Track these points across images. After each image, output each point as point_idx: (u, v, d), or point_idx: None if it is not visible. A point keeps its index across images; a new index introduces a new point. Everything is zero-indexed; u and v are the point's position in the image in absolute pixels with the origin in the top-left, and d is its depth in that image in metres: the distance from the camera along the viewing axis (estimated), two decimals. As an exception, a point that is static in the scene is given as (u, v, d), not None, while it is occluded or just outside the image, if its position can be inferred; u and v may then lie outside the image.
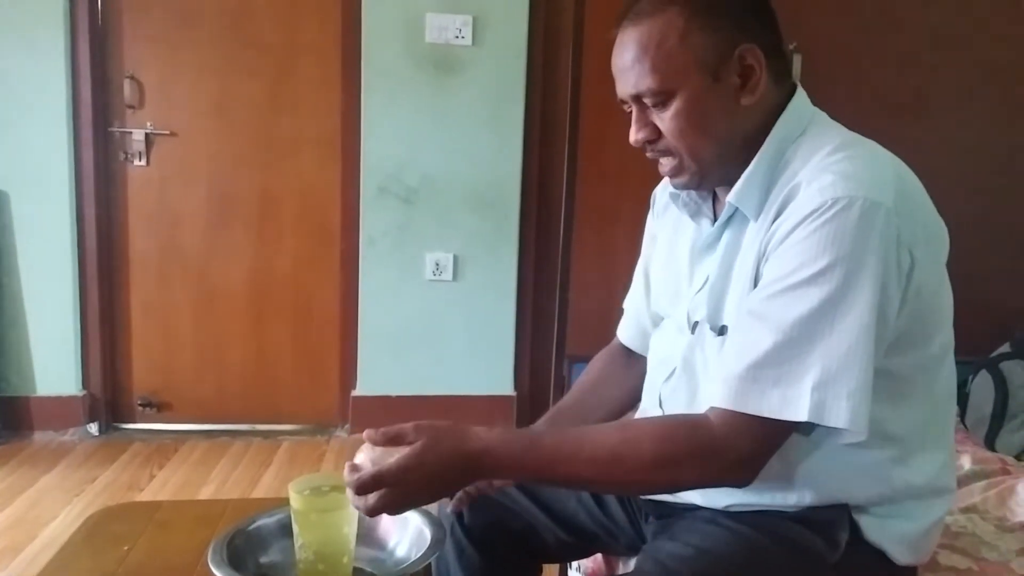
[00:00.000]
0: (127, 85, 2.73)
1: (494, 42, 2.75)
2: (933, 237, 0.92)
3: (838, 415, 0.83)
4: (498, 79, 2.77)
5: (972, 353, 2.03)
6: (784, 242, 0.88)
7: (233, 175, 2.84)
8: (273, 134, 2.83)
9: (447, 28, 2.71)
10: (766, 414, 0.84)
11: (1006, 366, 1.94)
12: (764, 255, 0.91)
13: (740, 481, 0.89)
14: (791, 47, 2.61)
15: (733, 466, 0.87)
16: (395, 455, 0.87)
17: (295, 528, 0.98)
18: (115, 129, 2.77)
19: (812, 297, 0.84)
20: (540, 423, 1.20)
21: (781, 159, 0.95)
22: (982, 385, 1.95)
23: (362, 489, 0.86)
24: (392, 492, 0.86)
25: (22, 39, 2.62)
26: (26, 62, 2.64)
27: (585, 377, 1.29)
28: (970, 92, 2.81)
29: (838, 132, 0.97)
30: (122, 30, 2.73)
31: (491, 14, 2.73)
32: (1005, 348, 2.02)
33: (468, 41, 2.73)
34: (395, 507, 0.88)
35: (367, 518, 0.95)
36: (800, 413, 0.83)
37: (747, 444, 0.86)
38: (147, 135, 2.77)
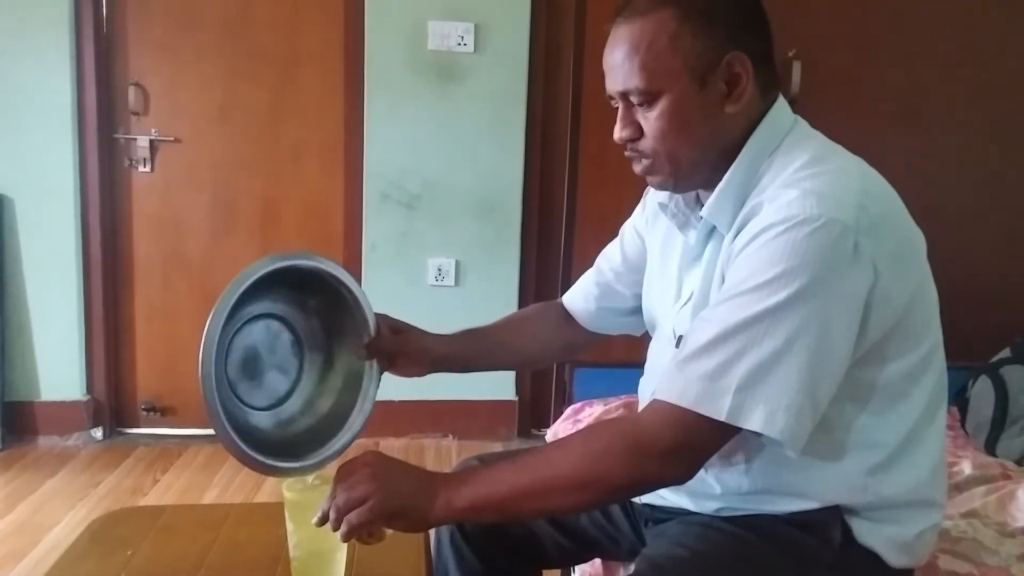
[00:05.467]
0: (132, 92, 2.75)
1: (496, 49, 2.76)
2: (903, 249, 0.91)
3: (752, 419, 0.84)
4: (500, 86, 2.78)
5: (972, 358, 2.03)
6: (740, 254, 0.89)
7: (237, 181, 2.85)
8: (276, 141, 2.84)
9: (449, 35, 2.73)
10: (687, 405, 0.85)
11: (1006, 371, 1.93)
12: (726, 269, 0.93)
13: (673, 475, 0.90)
14: (790, 54, 2.62)
15: (660, 457, 0.87)
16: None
17: (289, 526, 0.99)
18: (120, 135, 2.79)
19: (752, 305, 0.84)
20: (461, 337, 1.26)
21: (755, 174, 0.95)
22: (982, 390, 1.94)
23: (339, 511, 0.91)
24: (353, 485, 0.91)
25: (28, 46, 2.64)
26: (31, 68, 2.65)
27: (519, 313, 1.36)
28: (970, 98, 2.82)
29: (812, 145, 0.96)
30: (127, 37, 2.75)
31: (493, 21, 2.74)
32: (1005, 353, 2.02)
33: (470, 48, 2.74)
34: (365, 490, 0.91)
35: None
36: (719, 412, 0.84)
37: (671, 434, 0.86)
38: (151, 141, 2.78)
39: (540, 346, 1.33)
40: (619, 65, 0.95)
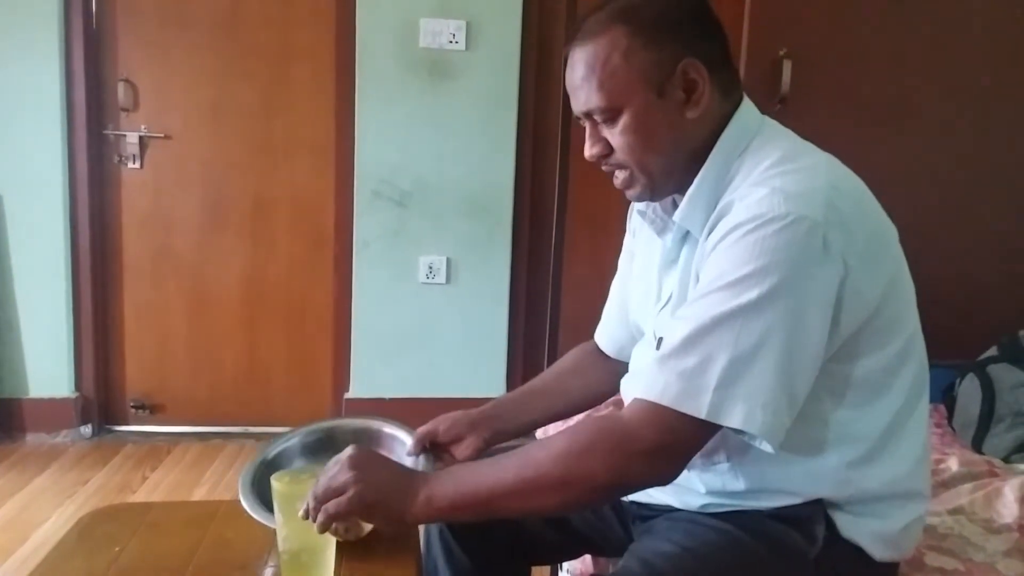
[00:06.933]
0: (121, 88, 2.74)
1: (488, 47, 2.76)
2: (874, 243, 0.92)
3: (732, 416, 0.84)
4: (491, 84, 2.78)
5: (960, 356, 2.04)
6: (712, 253, 0.90)
7: (227, 178, 2.85)
8: (267, 138, 2.83)
9: (441, 33, 2.73)
10: (667, 403, 0.85)
11: (993, 369, 1.94)
12: (700, 268, 0.94)
13: (657, 474, 0.89)
14: (781, 53, 2.63)
15: (643, 456, 0.86)
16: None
17: (278, 519, 0.98)
18: (109, 132, 2.77)
19: (725, 302, 0.85)
20: (503, 398, 1.25)
21: (725, 175, 0.97)
22: (969, 388, 1.95)
23: (317, 499, 0.92)
24: (334, 475, 0.92)
25: (16, 42, 2.63)
26: (20, 65, 2.64)
27: (556, 366, 1.33)
28: (959, 99, 2.83)
29: (781, 143, 0.97)
30: (116, 33, 2.74)
31: (485, 19, 2.74)
32: (992, 352, 2.03)
33: (462, 46, 2.74)
34: (344, 481, 0.92)
35: None
36: (699, 410, 0.84)
37: (653, 433, 0.86)
38: (141, 138, 2.77)
39: (589, 388, 1.30)
40: (579, 87, 0.98)
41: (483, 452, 1.15)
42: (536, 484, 0.89)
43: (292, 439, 1.21)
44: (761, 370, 0.84)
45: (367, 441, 1.18)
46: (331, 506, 0.91)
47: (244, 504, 1.05)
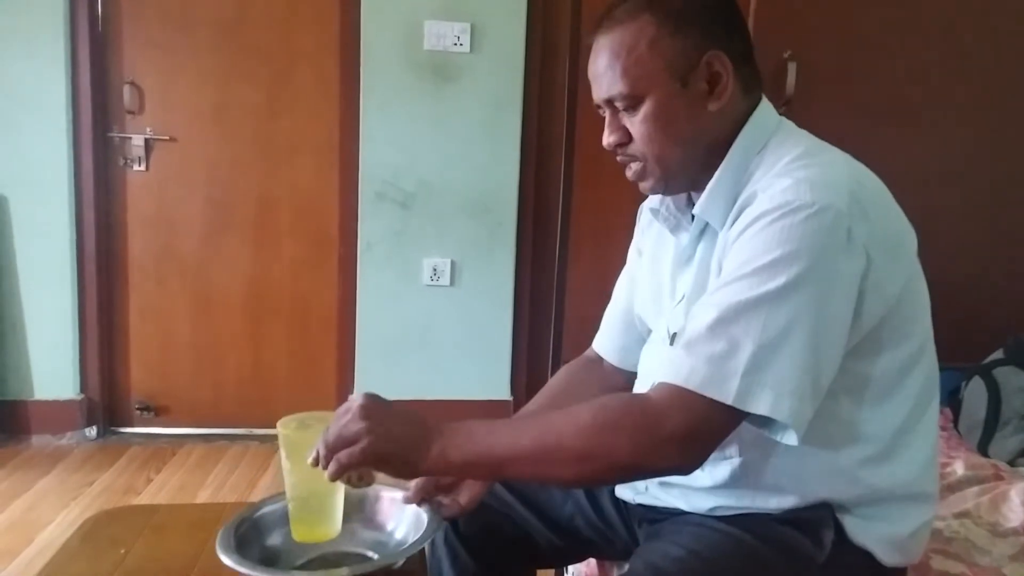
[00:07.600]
0: (127, 90, 2.75)
1: (492, 50, 2.76)
2: (894, 240, 0.92)
3: (760, 403, 0.83)
4: (496, 86, 2.79)
5: (965, 359, 2.03)
6: (737, 241, 0.90)
7: (232, 180, 2.85)
8: (272, 140, 2.84)
9: (445, 35, 2.73)
10: (693, 387, 0.84)
11: (999, 372, 1.94)
12: (723, 258, 0.93)
13: (679, 462, 0.86)
14: (786, 55, 2.63)
15: (668, 441, 0.84)
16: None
17: (286, 464, 0.97)
18: (114, 134, 2.78)
19: (752, 288, 0.85)
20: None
21: (745, 171, 0.97)
22: (975, 391, 1.95)
23: (328, 448, 0.90)
24: (346, 424, 0.90)
25: (23, 45, 2.64)
26: (26, 67, 2.65)
27: (552, 383, 1.30)
28: (965, 100, 2.83)
29: (801, 141, 0.97)
30: (122, 36, 2.75)
31: (489, 22, 2.74)
32: (998, 355, 2.03)
33: (466, 48, 2.74)
34: (357, 431, 0.89)
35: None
36: (727, 395, 0.83)
37: (680, 418, 0.84)
38: (146, 140, 2.78)
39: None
40: (602, 73, 0.98)
41: (487, 493, 1.11)
42: (554, 454, 0.87)
43: (277, 503, 1.09)
44: (789, 357, 0.83)
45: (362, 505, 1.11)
46: (343, 455, 0.89)
47: (224, 558, 0.96)
